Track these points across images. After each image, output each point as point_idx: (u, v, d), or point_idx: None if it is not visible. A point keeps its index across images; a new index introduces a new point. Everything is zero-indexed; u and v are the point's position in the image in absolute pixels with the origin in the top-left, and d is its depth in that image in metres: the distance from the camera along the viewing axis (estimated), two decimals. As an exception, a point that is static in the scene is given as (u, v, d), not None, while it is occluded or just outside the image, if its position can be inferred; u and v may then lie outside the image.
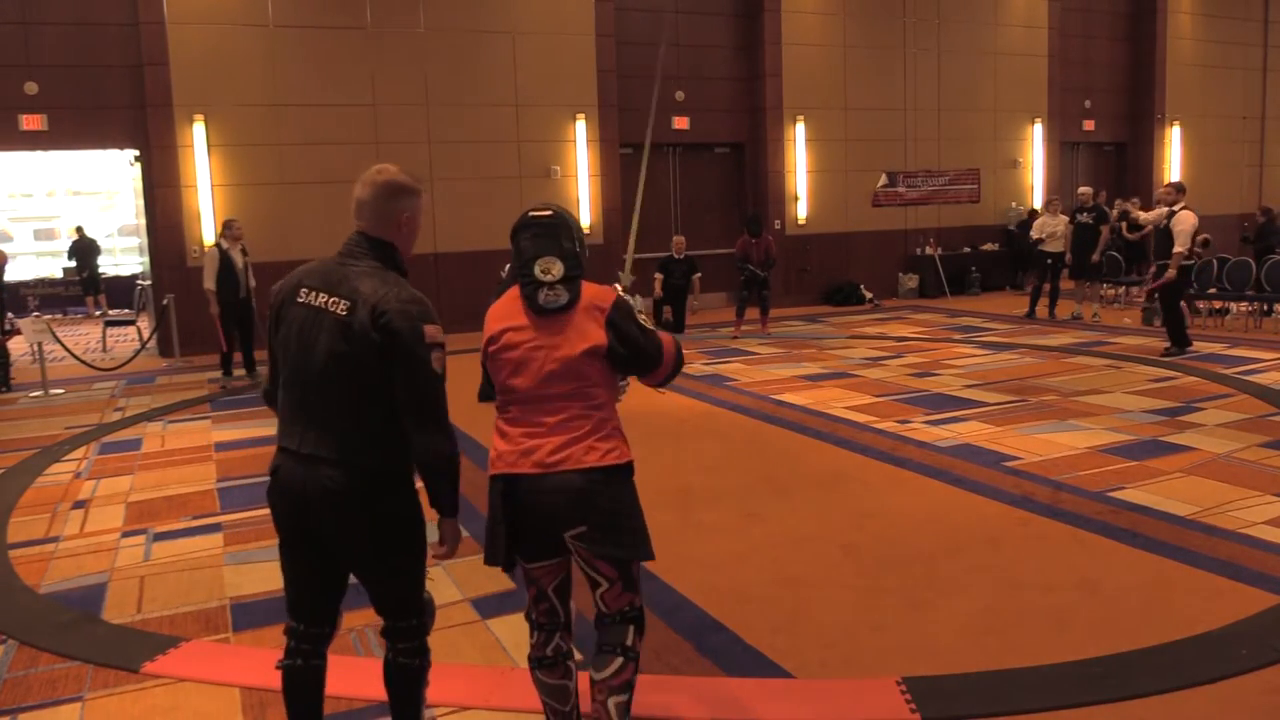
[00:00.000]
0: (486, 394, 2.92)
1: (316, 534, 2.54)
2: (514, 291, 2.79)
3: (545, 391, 2.66)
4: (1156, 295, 10.34)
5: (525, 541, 2.70)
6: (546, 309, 2.68)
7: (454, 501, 2.57)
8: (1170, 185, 10.28)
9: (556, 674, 2.76)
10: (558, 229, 2.78)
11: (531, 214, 2.85)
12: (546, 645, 2.76)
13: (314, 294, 2.55)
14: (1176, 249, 9.58)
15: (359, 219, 2.65)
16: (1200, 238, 10.36)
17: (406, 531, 2.59)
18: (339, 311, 2.48)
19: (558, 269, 2.70)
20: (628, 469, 2.77)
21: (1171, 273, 9.64)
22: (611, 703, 2.62)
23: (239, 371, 10.16)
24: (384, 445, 2.52)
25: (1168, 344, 9.86)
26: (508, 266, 7.59)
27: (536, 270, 2.71)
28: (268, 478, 2.60)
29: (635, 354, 2.74)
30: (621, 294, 2.82)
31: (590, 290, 2.74)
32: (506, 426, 2.72)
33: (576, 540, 2.65)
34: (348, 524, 2.51)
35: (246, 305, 9.87)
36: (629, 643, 2.69)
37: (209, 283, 9.67)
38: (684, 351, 2.97)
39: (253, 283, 9.93)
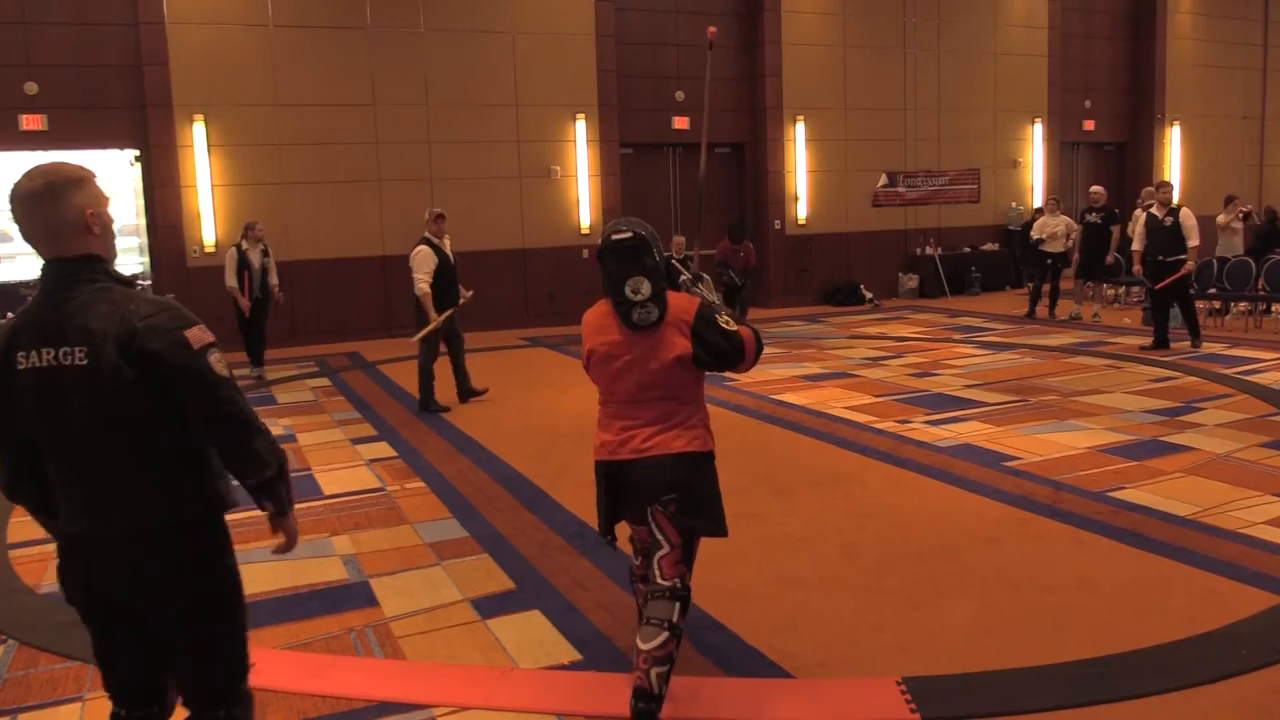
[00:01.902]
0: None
1: (121, 610, 2.19)
2: (606, 305, 3.18)
3: (641, 396, 3.11)
4: (1149, 292, 10.33)
5: (627, 512, 3.24)
6: (640, 326, 3.06)
7: (291, 499, 2.31)
8: (1167, 184, 10.36)
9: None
10: (639, 250, 3.08)
11: (613, 238, 3.11)
12: (647, 567, 3.24)
13: (35, 354, 2.09)
14: (1194, 243, 9.82)
15: (37, 246, 2.17)
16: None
17: (219, 596, 2.23)
18: (77, 362, 2.06)
19: (646, 288, 3.04)
20: (710, 455, 3.20)
21: (1191, 265, 9.92)
22: (654, 673, 2.97)
23: (245, 372, 10.14)
24: (180, 497, 2.16)
25: (1149, 343, 10.12)
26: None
27: (627, 291, 3.05)
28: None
29: (717, 357, 3.12)
30: (694, 289, 3.24)
31: (675, 302, 3.13)
32: (608, 420, 3.21)
33: (661, 507, 3.09)
34: (152, 596, 2.16)
35: (259, 304, 10.16)
36: (674, 619, 3.02)
37: (230, 280, 10.06)
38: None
39: (275, 280, 10.28)
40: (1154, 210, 10.12)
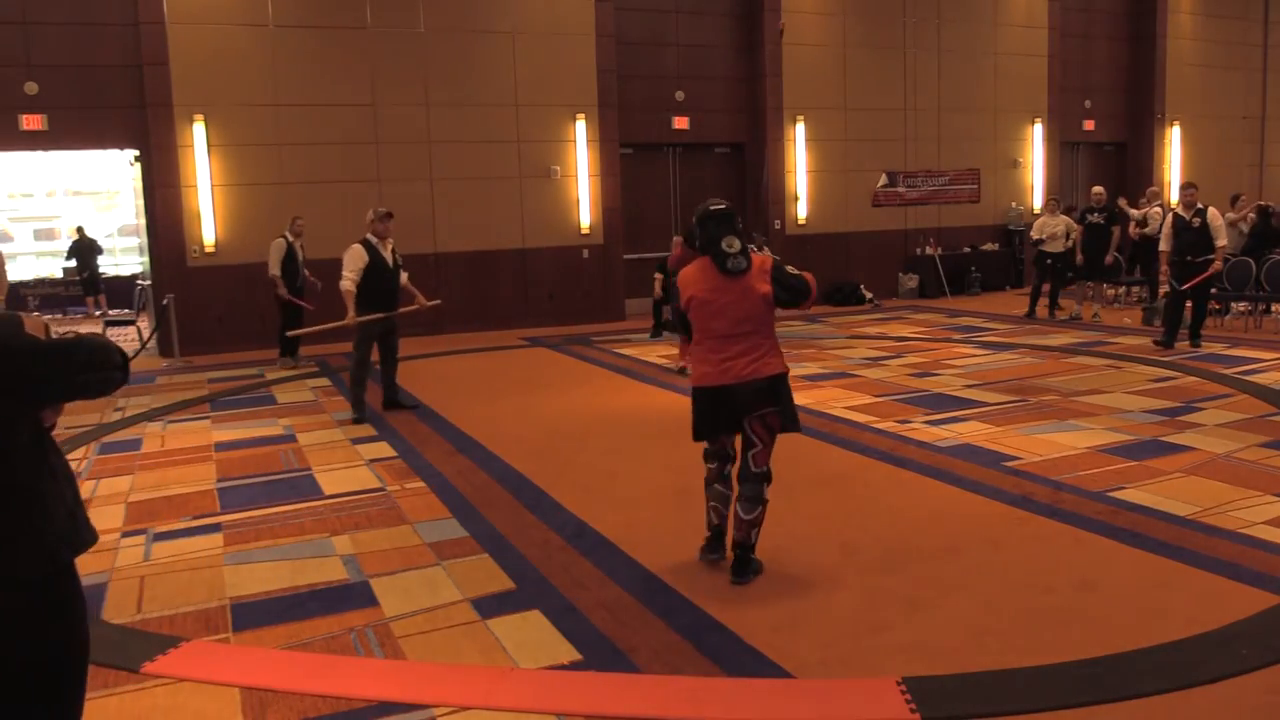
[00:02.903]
0: (685, 327, 4.31)
1: None
2: (701, 261, 4.12)
3: (735, 330, 4.04)
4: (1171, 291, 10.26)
5: (722, 424, 4.20)
6: (734, 272, 4.04)
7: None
8: (1192, 186, 10.26)
9: (725, 486, 4.35)
10: (731, 216, 4.13)
11: (712, 207, 4.15)
12: (720, 471, 4.34)
13: None
14: (1221, 243, 9.90)
15: None
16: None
17: (50, 667, 2.01)
18: None
19: (737, 244, 4.05)
20: (787, 374, 4.19)
21: (1219, 265, 9.99)
22: (753, 533, 4.18)
23: (246, 373, 10.16)
24: (13, 551, 1.93)
25: (1159, 340, 10.14)
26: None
27: (724, 245, 4.03)
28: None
29: (792, 294, 4.10)
30: (763, 251, 4.36)
31: (756, 258, 4.14)
32: (706, 354, 4.11)
33: (759, 419, 4.10)
34: None
35: (298, 295, 10.66)
36: (764, 495, 4.20)
37: (274, 269, 10.54)
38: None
39: (306, 273, 10.76)
40: (1180, 211, 10.08)
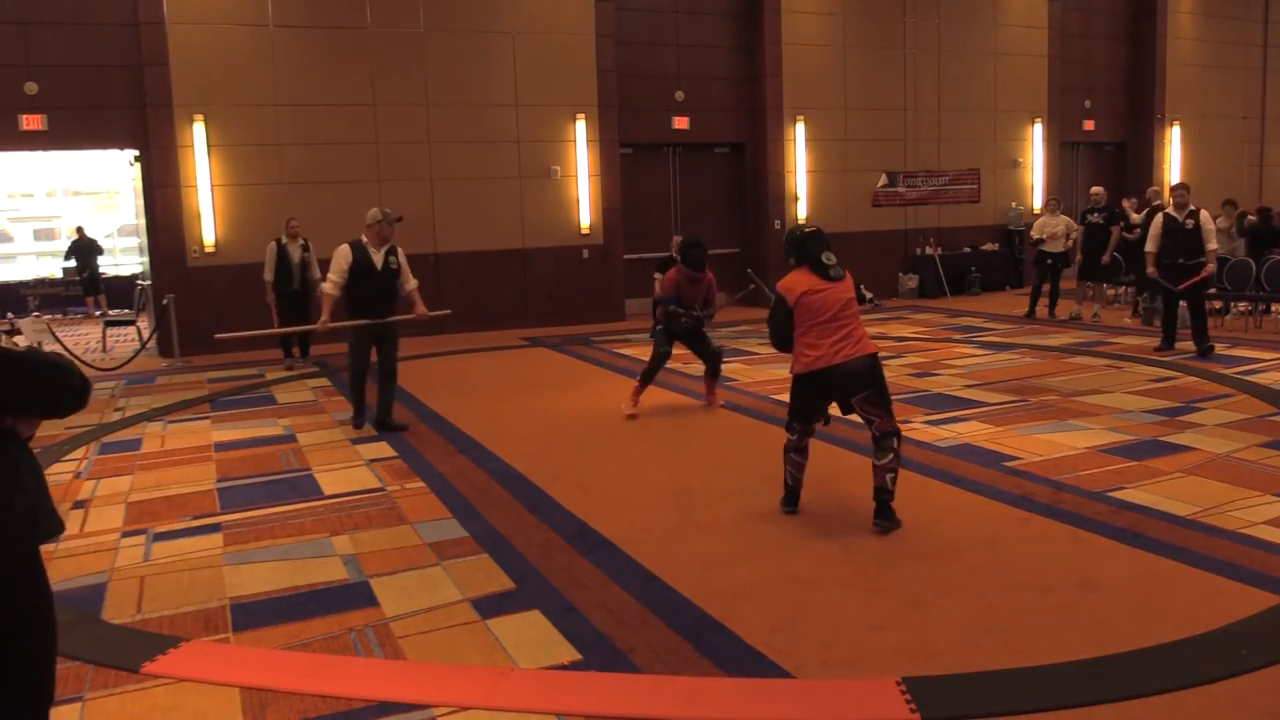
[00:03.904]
0: (784, 340, 5.06)
1: None
2: (800, 270, 4.96)
3: (839, 317, 4.85)
4: (1163, 293, 10.17)
5: (822, 407, 5.03)
6: (836, 277, 4.93)
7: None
8: (1185, 186, 10.13)
9: (801, 455, 5.13)
10: (822, 235, 5.06)
11: (807, 230, 5.07)
12: (800, 441, 5.10)
13: None
14: (1212, 246, 9.75)
15: None
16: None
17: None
18: None
19: (832, 257, 4.96)
20: (878, 354, 4.95)
21: (1212, 267, 9.83)
22: (888, 477, 4.80)
23: (246, 373, 10.16)
24: None
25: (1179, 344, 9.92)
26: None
27: (824, 258, 4.93)
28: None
29: (860, 299, 4.60)
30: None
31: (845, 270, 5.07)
32: (816, 340, 4.84)
33: (863, 398, 4.84)
34: None
35: (301, 296, 10.63)
36: (894, 446, 4.83)
37: (267, 274, 10.63)
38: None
39: (316, 274, 10.56)
40: (1172, 212, 9.88)
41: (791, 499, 5.20)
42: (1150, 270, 10.17)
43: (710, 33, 15.05)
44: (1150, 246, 10.08)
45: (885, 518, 4.81)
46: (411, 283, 7.44)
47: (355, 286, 7.15)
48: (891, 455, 4.79)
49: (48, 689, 2.23)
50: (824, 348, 4.81)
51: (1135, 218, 13.78)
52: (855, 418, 5.02)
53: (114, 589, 4.43)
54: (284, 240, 10.72)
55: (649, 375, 7.85)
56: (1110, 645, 3.52)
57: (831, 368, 4.77)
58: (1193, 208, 9.84)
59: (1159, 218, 10.09)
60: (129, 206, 13.06)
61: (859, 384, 4.80)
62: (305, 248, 10.78)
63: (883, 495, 4.81)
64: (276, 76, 12.23)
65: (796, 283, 4.93)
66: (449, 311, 8.14)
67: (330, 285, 7.16)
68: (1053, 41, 17.35)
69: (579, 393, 8.91)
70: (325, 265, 7.60)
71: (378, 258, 7.19)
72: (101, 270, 17.80)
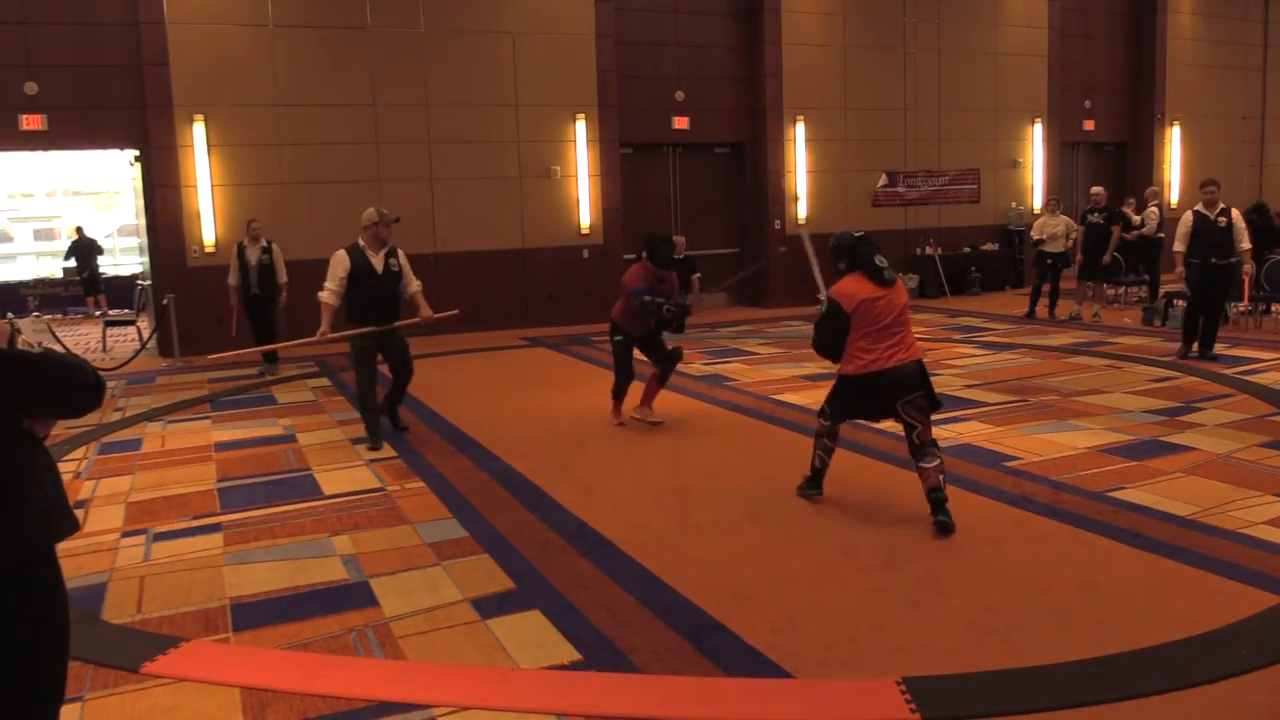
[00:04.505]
0: (835, 348, 5.12)
1: None
2: (855, 275, 4.96)
3: (891, 324, 4.91)
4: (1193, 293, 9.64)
5: (869, 408, 5.17)
6: (889, 281, 4.97)
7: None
8: (1215, 182, 9.44)
9: (833, 440, 5.31)
10: (873, 240, 5.12)
11: (856, 235, 5.11)
12: (834, 429, 5.28)
13: None
14: (1245, 245, 9.35)
15: None
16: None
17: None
18: None
19: (884, 260, 5.01)
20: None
21: (1250, 268, 9.34)
22: (941, 477, 4.88)
23: (246, 373, 10.16)
24: None
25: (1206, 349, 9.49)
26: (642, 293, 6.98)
27: (877, 261, 4.97)
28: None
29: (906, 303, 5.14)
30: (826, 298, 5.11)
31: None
32: (870, 344, 4.90)
33: (909, 402, 4.92)
34: None
35: (260, 301, 10.35)
36: (938, 451, 4.96)
37: (231, 278, 10.42)
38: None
39: (283, 278, 10.44)
40: (1202, 210, 9.29)
41: (815, 482, 5.35)
42: (1178, 269, 9.52)
43: (710, 33, 15.04)
44: (1179, 246, 9.43)
45: (948, 514, 4.83)
46: (415, 285, 7.10)
47: (355, 293, 6.74)
48: (939, 459, 4.90)
49: (59, 687, 2.25)
50: (878, 351, 4.88)
51: (1136, 219, 13.79)
52: (864, 421, 5.09)
53: (114, 589, 4.43)
54: (244, 243, 10.42)
55: (621, 391, 7.50)
56: (1110, 645, 3.52)
57: (886, 371, 4.86)
58: (1224, 205, 9.29)
59: (1188, 216, 9.45)
60: (129, 206, 13.07)
61: (910, 386, 4.90)
62: (266, 250, 10.39)
63: (938, 494, 4.85)
64: (276, 76, 12.23)
65: (855, 289, 4.92)
66: (456, 312, 7.81)
67: (328, 294, 6.73)
68: (1053, 41, 17.34)
69: (579, 393, 8.91)
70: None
71: (377, 261, 6.82)
72: (102, 270, 17.81)
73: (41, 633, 2.16)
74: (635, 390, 7.66)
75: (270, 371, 10.43)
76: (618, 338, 7.38)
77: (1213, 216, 9.24)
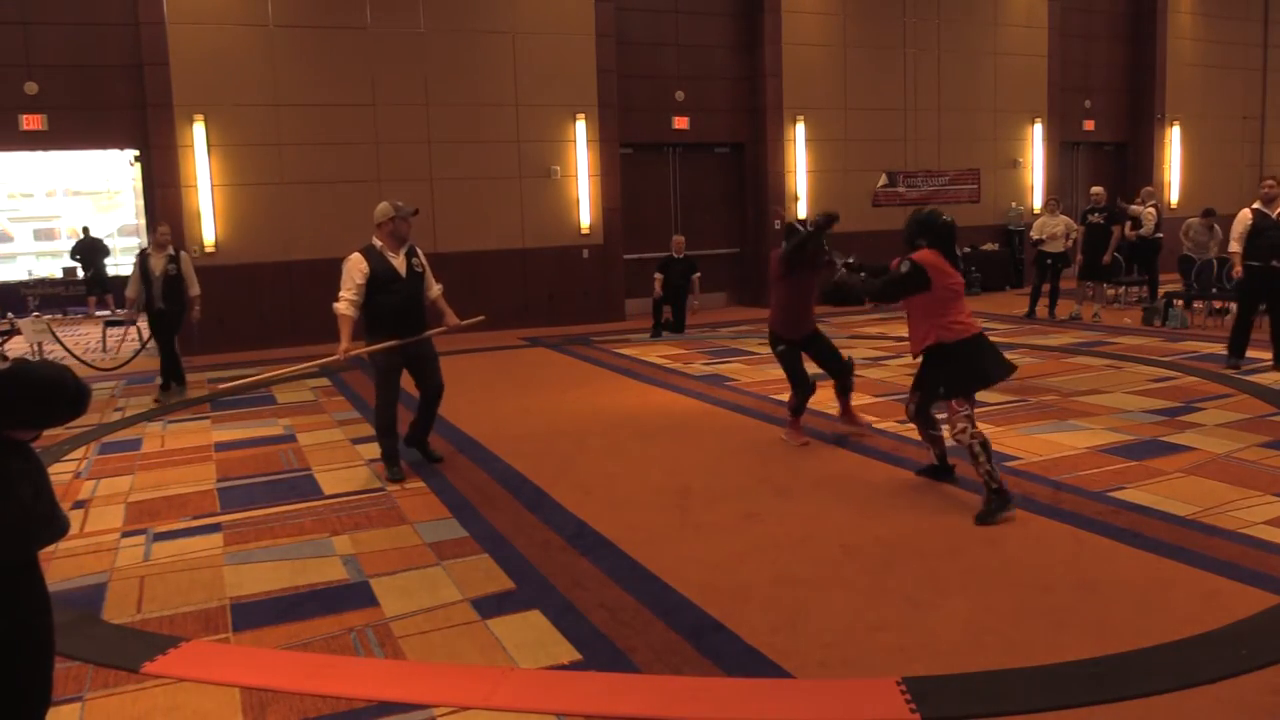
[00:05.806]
0: (894, 298, 5.40)
1: None
2: (935, 253, 5.23)
3: (961, 298, 5.27)
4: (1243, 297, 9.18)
5: (994, 356, 5.25)
6: (960, 268, 5.39)
7: None
8: (1275, 179, 8.83)
9: (929, 424, 5.57)
10: (953, 224, 5.46)
11: (944, 217, 5.45)
12: (920, 412, 5.55)
13: None
14: None
15: None
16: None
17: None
18: None
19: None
20: None
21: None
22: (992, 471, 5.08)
23: (246, 373, 10.13)
24: None
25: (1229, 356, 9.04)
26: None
27: (957, 251, 5.44)
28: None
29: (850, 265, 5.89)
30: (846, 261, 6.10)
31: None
32: (961, 309, 5.21)
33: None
34: None
35: (163, 316, 9.18)
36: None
37: (130, 290, 9.23)
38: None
39: (195, 290, 9.27)
40: (1261, 208, 8.70)
41: (939, 470, 5.67)
42: (1236, 271, 8.88)
43: (710, 33, 15.05)
44: (1235, 246, 8.80)
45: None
46: (437, 288, 6.32)
47: (377, 301, 5.87)
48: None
49: (45, 690, 2.25)
50: (967, 314, 5.25)
51: (1132, 210, 13.69)
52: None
53: (114, 589, 4.43)
54: (148, 250, 9.22)
55: (801, 405, 6.89)
56: (1110, 645, 3.52)
57: (980, 333, 5.24)
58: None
59: (1245, 214, 8.81)
60: (129, 206, 13.07)
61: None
62: (173, 259, 9.10)
63: (989, 482, 5.01)
64: (276, 76, 12.23)
65: (938, 262, 5.19)
66: (483, 318, 7.17)
67: (345, 305, 5.81)
68: (1052, 41, 17.35)
69: (579, 393, 8.91)
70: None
71: (399, 262, 5.96)
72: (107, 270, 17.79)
73: (24, 637, 2.17)
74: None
75: (177, 394, 9.27)
76: (780, 347, 6.86)
77: (1273, 215, 8.62)
